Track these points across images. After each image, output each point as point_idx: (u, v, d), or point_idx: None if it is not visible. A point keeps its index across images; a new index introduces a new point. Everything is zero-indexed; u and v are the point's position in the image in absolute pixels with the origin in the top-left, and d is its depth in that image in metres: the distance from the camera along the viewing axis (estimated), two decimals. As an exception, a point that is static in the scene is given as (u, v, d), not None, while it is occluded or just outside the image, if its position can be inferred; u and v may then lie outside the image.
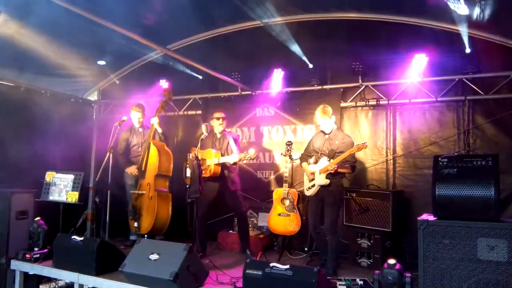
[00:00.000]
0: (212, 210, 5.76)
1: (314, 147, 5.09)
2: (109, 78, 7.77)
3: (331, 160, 4.75)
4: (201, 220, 5.47)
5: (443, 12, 5.23)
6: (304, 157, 5.21)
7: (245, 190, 6.05)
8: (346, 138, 4.96)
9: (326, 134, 4.97)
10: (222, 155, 5.42)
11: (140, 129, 6.15)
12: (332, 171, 4.67)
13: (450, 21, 5.38)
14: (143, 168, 5.61)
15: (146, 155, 5.60)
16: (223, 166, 5.38)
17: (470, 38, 5.35)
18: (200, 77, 6.95)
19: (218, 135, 5.62)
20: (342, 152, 4.73)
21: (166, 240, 5.25)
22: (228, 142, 5.50)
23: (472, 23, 5.10)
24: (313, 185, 4.92)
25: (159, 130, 5.85)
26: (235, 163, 5.35)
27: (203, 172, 5.27)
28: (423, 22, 5.58)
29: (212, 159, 5.33)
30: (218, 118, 5.60)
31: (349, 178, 5.94)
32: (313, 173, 4.94)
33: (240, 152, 5.41)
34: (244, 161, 5.32)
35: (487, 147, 5.31)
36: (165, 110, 6.40)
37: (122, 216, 6.04)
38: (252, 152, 5.15)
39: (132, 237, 6.11)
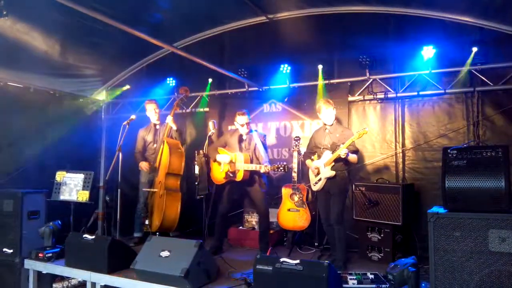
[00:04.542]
0: (231, 207, 5.77)
1: (315, 143, 5.15)
2: (118, 77, 7.80)
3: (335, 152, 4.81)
4: (221, 218, 5.51)
5: (451, 3, 5.22)
6: (307, 154, 5.27)
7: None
8: (345, 130, 5.10)
9: (327, 127, 5.04)
10: (251, 158, 5.36)
11: (158, 126, 6.17)
12: (344, 156, 4.67)
13: (458, 12, 5.35)
14: (156, 166, 5.66)
15: (160, 153, 5.65)
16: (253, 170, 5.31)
17: (479, 28, 5.31)
18: (210, 80, 6.94)
19: (244, 136, 5.51)
20: (343, 143, 4.79)
21: (183, 237, 5.28)
22: (256, 145, 5.40)
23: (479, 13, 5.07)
24: (319, 179, 4.95)
25: (174, 128, 5.88)
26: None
27: (231, 175, 5.27)
28: (431, 13, 5.53)
29: (242, 164, 5.23)
30: (242, 125, 5.41)
31: (357, 173, 5.93)
32: (317, 168, 4.97)
33: (267, 153, 5.42)
34: (280, 169, 5.04)
35: (497, 138, 5.25)
36: (180, 107, 6.40)
37: (132, 214, 6.11)
38: (284, 167, 4.98)
39: (137, 234, 6.17)
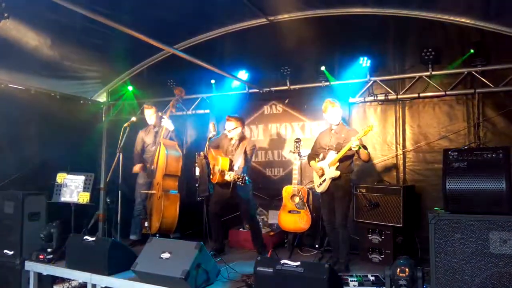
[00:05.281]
0: (225, 208, 5.77)
1: (321, 145, 5.11)
2: (118, 79, 7.81)
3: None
4: (213, 218, 5.51)
5: (451, 5, 5.22)
6: (312, 156, 5.22)
7: (255, 189, 6.03)
8: (351, 129, 5.06)
9: (333, 128, 5.00)
10: (231, 164, 5.35)
11: (156, 129, 6.17)
12: (355, 148, 4.58)
13: (458, 14, 5.35)
14: (154, 168, 5.66)
15: (157, 155, 5.65)
16: None
17: (479, 30, 5.31)
18: (213, 81, 6.93)
19: (233, 141, 5.51)
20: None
21: (183, 239, 5.28)
22: (239, 152, 5.38)
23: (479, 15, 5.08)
24: (324, 180, 4.91)
25: (170, 128, 5.88)
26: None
27: (212, 176, 5.28)
28: (430, 15, 5.54)
29: (218, 167, 5.26)
30: (229, 131, 5.41)
31: (358, 174, 5.93)
32: (322, 169, 4.94)
33: (248, 163, 5.44)
34: (238, 182, 5.03)
35: (497, 140, 5.25)
36: (176, 109, 6.41)
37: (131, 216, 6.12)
38: (242, 179, 4.96)
39: (132, 237, 6.15)
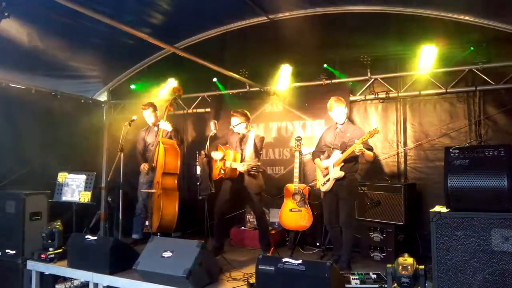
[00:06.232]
0: (230, 206, 5.76)
1: (325, 142, 5.07)
2: (119, 78, 7.81)
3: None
4: (218, 216, 5.49)
5: (452, 2, 5.21)
6: (317, 153, 5.19)
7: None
8: (356, 129, 5.00)
9: (338, 127, 4.96)
10: (242, 157, 5.36)
11: (156, 128, 6.17)
12: (359, 152, 4.55)
13: (459, 11, 5.34)
14: (154, 166, 5.67)
15: (156, 154, 5.66)
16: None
17: (480, 27, 5.30)
18: (214, 79, 6.91)
19: (241, 135, 5.49)
20: (354, 142, 4.66)
21: (185, 238, 5.28)
22: (249, 144, 5.39)
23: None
24: (328, 180, 4.88)
25: (168, 130, 5.87)
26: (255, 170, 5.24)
27: (222, 172, 5.29)
28: (432, 13, 5.52)
29: (229, 161, 5.27)
30: (234, 126, 5.44)
31: (360, 173, 5.92)
32: (326, 168, 4.91)
33: (258, 155, 5.45)
34: (252, 171, 5.16)
35: (499, 138, 5.24)
36: (174, 108, 6.41)
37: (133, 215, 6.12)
38: (257, 168, 5.05)
39: (134, 236, 6.14)
